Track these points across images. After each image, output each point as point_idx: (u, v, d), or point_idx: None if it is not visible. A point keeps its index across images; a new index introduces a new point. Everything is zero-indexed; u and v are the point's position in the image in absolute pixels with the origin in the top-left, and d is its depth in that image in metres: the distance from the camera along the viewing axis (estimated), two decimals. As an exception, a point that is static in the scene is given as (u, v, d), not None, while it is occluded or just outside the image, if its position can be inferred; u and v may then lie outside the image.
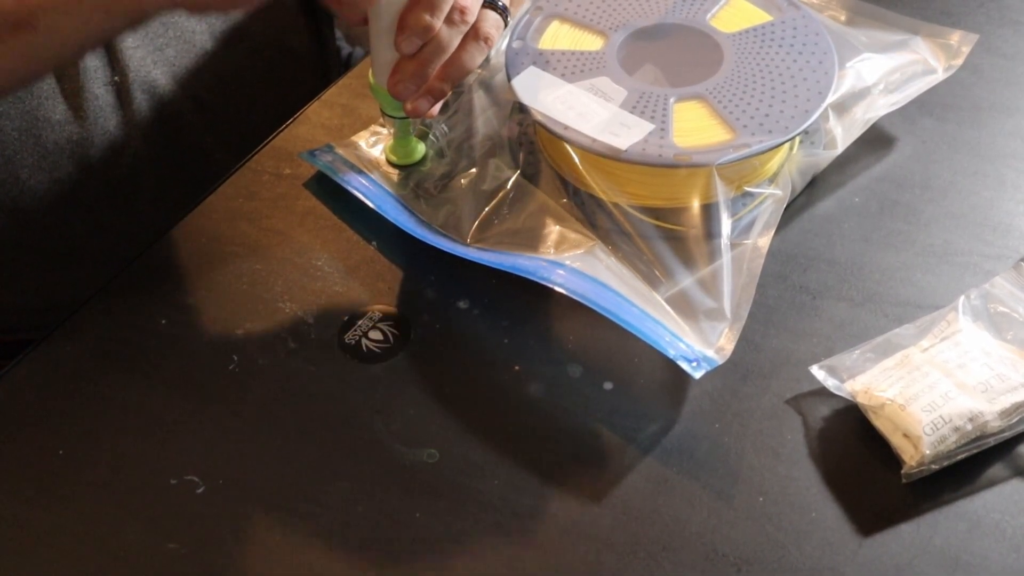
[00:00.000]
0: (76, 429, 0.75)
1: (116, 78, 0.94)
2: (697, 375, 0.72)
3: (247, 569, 0.68)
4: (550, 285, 0.76)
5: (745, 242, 0.79)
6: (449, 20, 0.77)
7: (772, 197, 0.81)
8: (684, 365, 0.72)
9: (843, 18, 0.91)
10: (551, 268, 0.77)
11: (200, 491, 0.71)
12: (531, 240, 0.80)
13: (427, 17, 0.76)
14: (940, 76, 0.88)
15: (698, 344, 0.73)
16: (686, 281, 0.77)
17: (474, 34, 0.79)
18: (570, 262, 0.78)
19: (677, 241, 0.79)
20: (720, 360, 0.73)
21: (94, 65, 0.93)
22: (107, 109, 0.94)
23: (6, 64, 0.78)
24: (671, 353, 0.73)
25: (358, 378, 0.76)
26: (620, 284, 0.77)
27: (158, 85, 0.96)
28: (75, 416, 0.75)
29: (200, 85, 0.99)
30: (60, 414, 0.75)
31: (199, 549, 0.69)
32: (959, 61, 0.88)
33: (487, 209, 0.82)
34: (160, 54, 0.96)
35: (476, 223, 0.81)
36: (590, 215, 0.82)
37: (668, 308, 0.76)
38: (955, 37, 0.89)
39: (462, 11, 0.77)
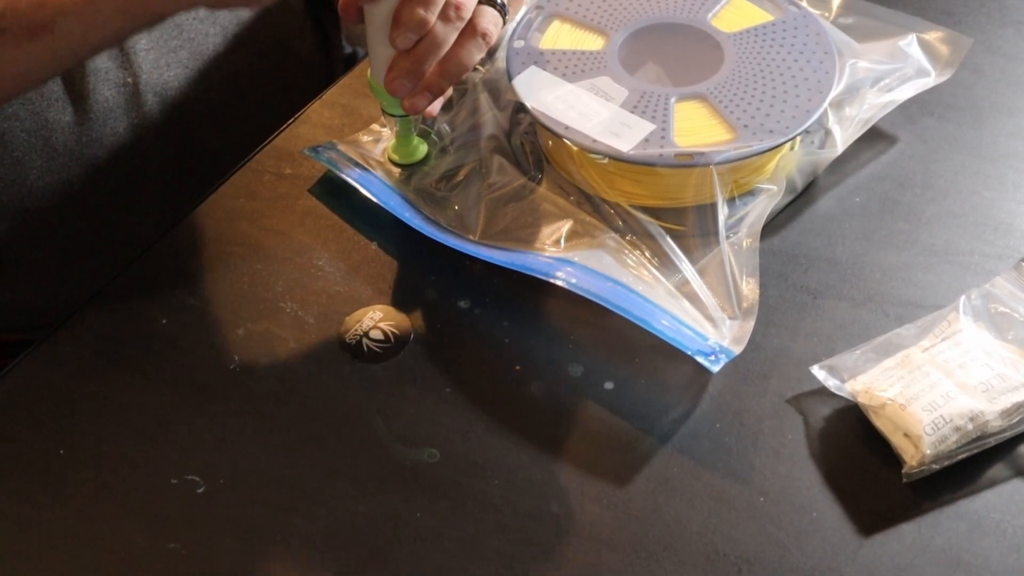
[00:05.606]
0: (76, 429, 0.75)
1: (129, 79, 0.94)
2: (715, 369, 0.72)
3: (247, 569, 0.68)
4: (560, 284, 0.76)
5: (744, 237, 0.79)
6: (444, 16, 0.77)
7: (769, 193, 0.81)
8: (702, 360, 0.72)
9: (842, 17, 0.91)
10: (560, 265, 0.77)
11: (201, 491, 0.71)
12: (539, 237, 0.80)
13: (421, 12, 0.76)
14: (932, 81, 0.88)
15: (713, 336, 0.74)
16: (691, 278, 0.77)
17: (471, 30, 0.79)
18: (579, 259, 0.78)
19: (679, 239, 0.79)
20: (737, 350, 0.73)
21: (105, 67, 0.93)
22: (117, 111, 0.94)
23: (23, 67, 0.79)
24: (688, 349, 0.73)
25: (359, 378, 0.76)
26: (632, 280, 0.77)
27: (170, 87, 0.97)
28: (75, 416, 0.75)
29: (210, 87, 0.99)
30: (60, 414, 0.75)
31: (199, 549, 0.69)
32: (952, 69, 0.88)
33: (493, 207, 0.82)
34: (173, 56, 0.96)
35: (483, 221, 0.81)
36: (594, 212, 0.82)
37: (684, 301, 0.76)
38: (951, 39, 0.89)
39: (457, 7, 0.77)
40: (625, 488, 0.71)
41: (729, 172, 0.80)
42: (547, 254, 0.79)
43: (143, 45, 0.94)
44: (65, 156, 0.94)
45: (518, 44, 0.86)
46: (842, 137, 0.85)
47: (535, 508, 0.70)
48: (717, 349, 0.73)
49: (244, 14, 1.01)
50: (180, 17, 0.96)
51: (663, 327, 0.74)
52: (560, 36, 0.87)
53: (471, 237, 0.81)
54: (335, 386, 0.76)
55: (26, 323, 1.00)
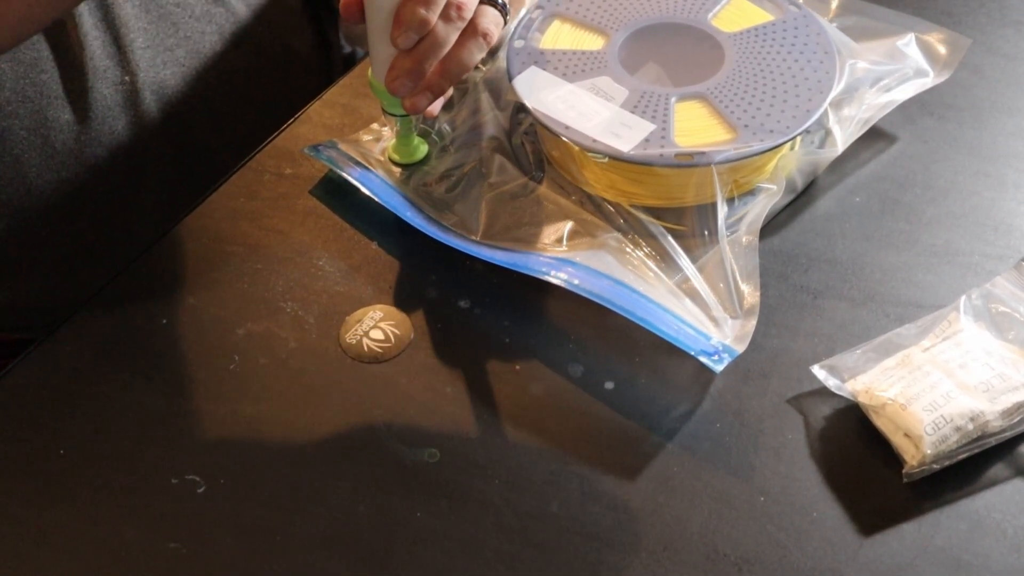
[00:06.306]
0: (76, 429, 0.75)
1: (126, 78, 0.94)
2: (718, 368, 0.72)
3: (247, 569, 0.68)
4: (563, 285, 0.76)
5: (744, 236, 0.79)
6: (445, 15, 0.77)
7: (769, 193, 0.81)
8: (705, 360, 0.73)
9: (840, 17, 0.91)
10: (561, 266, 0.77)
11: (201, 491, 0.71)
12: (540, 237, 0.80)
13: (422, 11, 0.76)
14: (931, 81, 0.88)
15: (716, 335, 0.74)
16: (692, 278, 0.77)
17: (472, 30, 0.79)
18: (581, 259, 0.78)
19: (680, 239, 0.79)
20: (740, 350, 0.73)
21: (104, 65, 0.93)
22: (116, 109, 0.94)
23: (17, 9, 0.78)
24: (691, 349, 0.73)
25: (359, 378, 0.76)
26: (634, 279, 0.77)
27: (167, 86, 0.97)
28: (75, 416, 0.75)
29: (207, 86, 0.99)
30: (60, 414, 0.75)
31: (199, 549, 0.69)
32: (950, 70, 0.88)
33: (494, 207, 0.82)
34: (170, 54, 0.96)
35: (484, 221, 0.81)
36: (596, 212, 0.82)
37: (686, 300, 0.76)
38: (949, 40, 0.89)
39: (459, 7, 0.77)
40: (625, 488, 0.71)
41: (729, 172, 0.80)
42: (549, 254, 0.79)
43: (140, 43, 0.94)
44: (64, 154, 0.94)
45: (518, 44, 0.86)
46: (842, 137, 0.85)
47: (535, 508, 0.70)
48: (720, 348, 0.73)
49: (241, 13, 1.01)
50: (176, 15, 0.96)
51: (666, 327, 0.74)
52: (560, 36, 0.87)
53: (472, 237, 0.81)
54: (335, 386, 0.76)
55: (26, 323, 1.00)
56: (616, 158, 0.79)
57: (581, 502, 0.70)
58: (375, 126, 0.89)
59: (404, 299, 0.80)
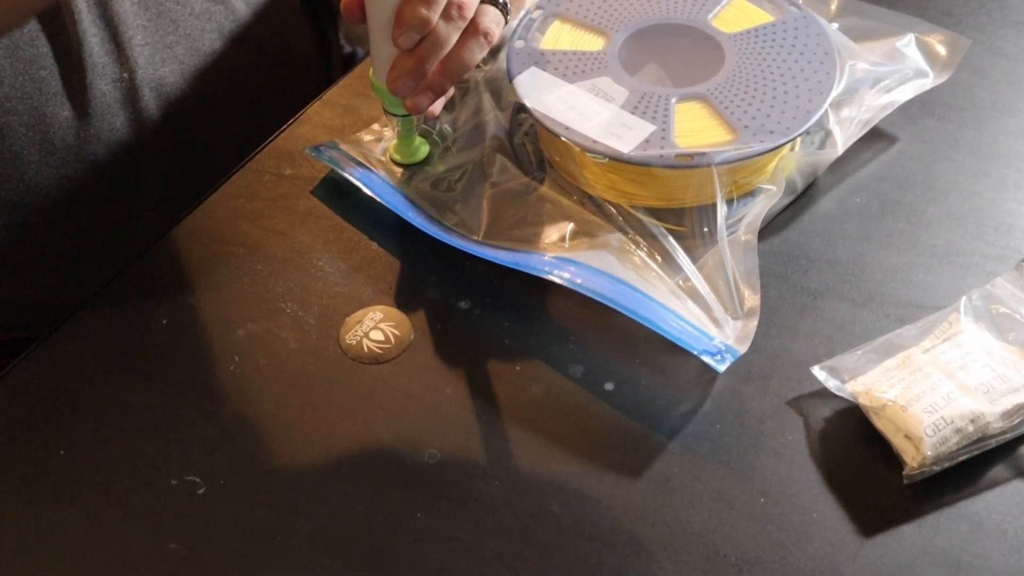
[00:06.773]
0: (76, 429, 0.75)
1: (124, 75, 0.94)
2: (721, 368, 0.72)
3: (247, 569, 0.68)
4: (566, 284, 0.76)
5: (743, 237, 0.79)
6: (446, 15, 0.77)
7: (769, 194, 0.81)
8: (708, 360, 0.73)
9: (839, 18, 0.91)
10: (564, 266, 0.77)
11: (201, 491, 0.71)
12: (542, 237, 0.80)
13: (423, 11, 0.76)
14: (931, 82, 0.88)
15: (718, 336, 0.74)
16: (694, 278, 0.77)
17: (473, 30, 0.79)
18: (583, 259, 0.78)
19: (680, 240, 0.79)
20: (742, 350, 0.73)
21: (102, 62, 0.93)
22: (114, 106, 0.94)
23: None
24: (694, 348, 0.73)
25: (359, 378, 0.76)
26: (636, 279, 0.77)
27: (166, 83, 0.97)
28: (75, 416, 0.75)
29: (206, 83, 0.99)
30: (60, 414, 0.75)
31: (199, 549, 0.69)
32: (950, 70, 0.88)
33: (496, 207, 0.82)
34: (169, 52, 0.96)
35: (486, 221, 0.81)
36: (597, 212, 0.82)
37: (688, 301, 0.76)
38: (949, 40, 0.89)
39: (460, 6, 0.77)
40: (625, 488, 0.71)
41: (729, 173, 0.80)
42: (551, 254, 0.79)
43: (138, 40, 0.94)
44: (63, 151, 0.94)
45: (518, 44, 0.86)
46: (842, 138, 0.85)
47: (535, 508, 0.70)
48: (723, 348, 0.73)
49: (241, 11, 1.01)
50: (175, 13, 0.96)
51: (669, 327, 0.74)
52: (561, 36, 0.87)
53: (474, 237, 0.81)
54: (335, 387, 0.76)
55: (26, 322, 1.00)
56: (616, 159, 0.79)
57: (581, 502, 0.70)
58: (376, 126, 0.89)
59: (404, 300, 0.80)
